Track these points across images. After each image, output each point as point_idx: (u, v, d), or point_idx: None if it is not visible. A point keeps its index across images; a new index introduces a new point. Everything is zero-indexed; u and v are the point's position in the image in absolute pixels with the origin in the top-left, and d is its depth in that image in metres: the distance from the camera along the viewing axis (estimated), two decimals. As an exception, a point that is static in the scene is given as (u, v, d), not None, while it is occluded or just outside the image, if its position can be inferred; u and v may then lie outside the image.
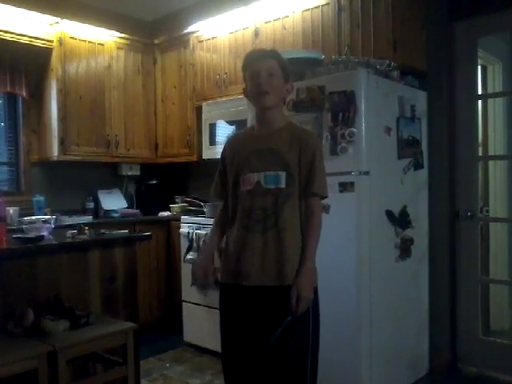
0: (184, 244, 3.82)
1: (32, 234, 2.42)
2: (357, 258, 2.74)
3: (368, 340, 2.75)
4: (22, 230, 2.59)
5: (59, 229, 2.94)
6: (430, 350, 3.28)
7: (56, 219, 2.98)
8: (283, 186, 1.92)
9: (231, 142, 2.14)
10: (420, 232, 3.18)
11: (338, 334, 2.73)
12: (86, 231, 2.49)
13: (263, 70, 1.93)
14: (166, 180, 4.91)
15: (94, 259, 2.47)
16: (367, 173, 2.73)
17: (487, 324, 3.67)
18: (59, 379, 1.95)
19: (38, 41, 4.01)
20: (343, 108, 2.71)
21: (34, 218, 2.97)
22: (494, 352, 3.23)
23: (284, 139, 1.97)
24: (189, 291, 3.80)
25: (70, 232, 2.51)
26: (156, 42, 4.71)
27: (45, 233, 2.52)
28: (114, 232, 2.61)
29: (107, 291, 2.49)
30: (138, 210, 4.56)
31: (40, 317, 2.15)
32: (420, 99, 3.19)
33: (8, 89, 4.04)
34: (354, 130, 2.69)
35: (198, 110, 4.37)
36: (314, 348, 1.96)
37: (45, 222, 2.77)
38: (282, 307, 1.88)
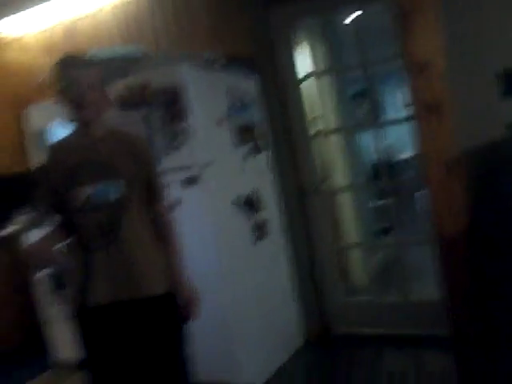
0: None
1: None
2: (215, 250, 2.75)
3: (238, 327, 2.80)
4: None
5: None
6: (302, 322, 3.44)
7: None
8: (117, 197, 1.83)
9: (53, 152, 1.96)
10: (273, 212, 3.30)
11: (209, 329, 2.71)
12: None
13: (83, 81, 1.80)
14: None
15: None
16: (207, 165, 2.74)
17: (352, 286, 3.94)
18: None
19: None
20: (171, 104, 2.68)
21: None
22: (359, 310, 3.48)
23: (111, 148, 1.88)
24: (46, 308, 3.56)
25: None
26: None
27: None
28: None
29: None
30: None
31: None
32: (249, 86, 3.26)
33: None
34: (185, 125, 2.68)
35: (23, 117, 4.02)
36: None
37: None
38: (143, 320, 1.86)
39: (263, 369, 2.93)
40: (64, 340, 3.50)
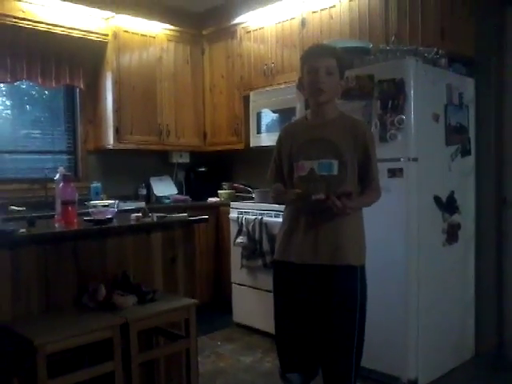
0: (233, 228, 3.98)
1: (100, 217, 2.61)
2: (405, 242, 2.83)
3: (415, 323, 2.84)
4: (87, 214, 2.78)
5: (118, 213, 3.13)
6: (476, 335, 3.34)
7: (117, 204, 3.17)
8: (335, 173, 2.05)
9: (287, 131, 2.29)
10: (467, 217, 3.23)
11: (387, 317, 2.83)
12: (150, 214, 2.67)
13: (322, 67, 2.03)
14: (214, 167, 5.09)
15: (156, 240, 2.64)
16: (416, 159, 2.81)
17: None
18: (131, 348, 2.13)
19: (95, 35, 4.23)
20: (392, 96, 2.79)
21: (98, 202, 3.18)
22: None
23: (337, 129, 2.10)
24: (238, 273, 3.97)
25: (134, 215, 2.69)
26: (204, 33, 4.86)
27: (110, 216, 2.70)
28: (174, 215, 2.78)
29: (169, 270, 2.67)
30: (187, 196, 4.75)
31: (110, 292, 2.33)
32: (468, 86, 3.22)
33: (67, 81, 4.28)
34: (403, 117, 2.77)
35: (246, 99, 4.50)
36: (362, 310, 2.09)
37: (107, 206, 2.97)
38: (333, 285, 2.05)
39: (427, 371, 2.93)
40: (245, 305, 3.95)
